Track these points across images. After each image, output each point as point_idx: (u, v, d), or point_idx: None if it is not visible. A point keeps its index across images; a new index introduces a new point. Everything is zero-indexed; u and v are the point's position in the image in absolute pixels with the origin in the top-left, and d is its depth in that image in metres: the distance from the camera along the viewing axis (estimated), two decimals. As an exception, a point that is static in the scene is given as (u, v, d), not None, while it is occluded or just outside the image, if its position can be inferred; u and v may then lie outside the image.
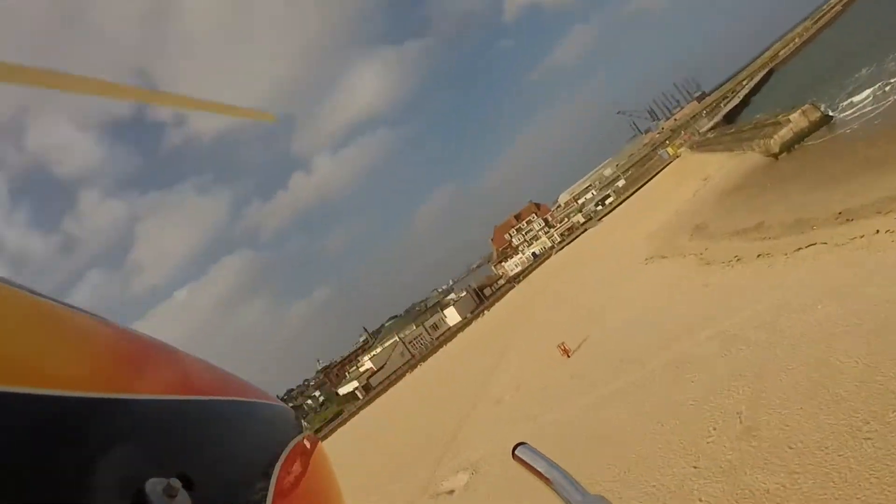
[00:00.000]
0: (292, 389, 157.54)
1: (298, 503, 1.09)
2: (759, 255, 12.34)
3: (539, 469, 0.87)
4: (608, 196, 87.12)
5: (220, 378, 1.16)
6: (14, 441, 0.53)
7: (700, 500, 5.83)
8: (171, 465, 0.70)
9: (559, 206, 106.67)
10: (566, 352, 15.44)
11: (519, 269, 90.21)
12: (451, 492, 11.54)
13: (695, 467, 6.40)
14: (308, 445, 1.27)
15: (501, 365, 22.26)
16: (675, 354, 10.07)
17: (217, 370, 1.18)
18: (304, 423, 1.37)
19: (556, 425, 11.00)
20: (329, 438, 52.26)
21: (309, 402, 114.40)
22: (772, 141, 25.76)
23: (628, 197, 71.23)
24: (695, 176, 34.89)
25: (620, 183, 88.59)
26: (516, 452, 0.92)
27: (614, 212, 68.36)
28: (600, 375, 11.87)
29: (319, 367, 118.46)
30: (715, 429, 6.87)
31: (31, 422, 0.56)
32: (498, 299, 71.70)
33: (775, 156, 25.48)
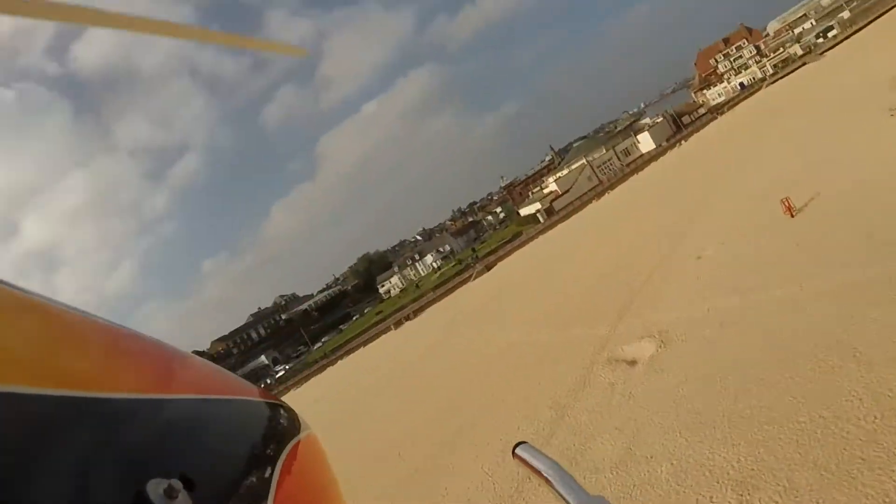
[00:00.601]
0: (475, 202, 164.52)
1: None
2: None
3: (539, 469, 0.85)
4: (831, 27, 71.87)
5: (219, 376, 1.13)
6: (13, 441, 0.54)
7: None
8: (171, 466, 0.70)
9: (768, 34, 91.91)
10: (790, 209, 12.47)
11: (722, 99, 79.96)
12: (633, 363, 10.04)
13: None
14: (308, 444, 1.20)
15: (703, 210, 19.39)
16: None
17: (216, 368, 1.15)
18: (305, 422, 1.26)
19: (780, 311, 8.53)
20: (506, 260, 53.66)
21: (489, 217, 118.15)
22: None
23: (856, 31, 57.93)
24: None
25: (844, 15, 72.16)
26: (516, 451, 0.89)
27: (839, 47, 56.39)
28: (839, 252, 9.11)
29: (503, 184, 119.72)
30: None
31: (31, 422, 0.57)
32: (697, 130, 64.60)
33: None
